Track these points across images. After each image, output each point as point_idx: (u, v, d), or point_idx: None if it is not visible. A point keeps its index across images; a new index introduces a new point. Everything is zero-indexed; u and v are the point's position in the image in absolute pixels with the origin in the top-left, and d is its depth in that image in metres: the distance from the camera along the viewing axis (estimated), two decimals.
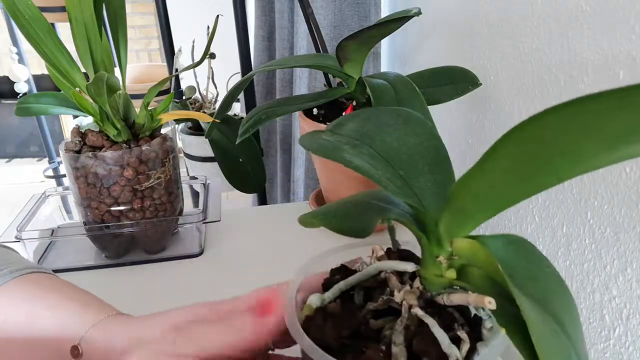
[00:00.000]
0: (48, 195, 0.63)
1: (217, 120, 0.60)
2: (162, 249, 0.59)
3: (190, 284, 0.53)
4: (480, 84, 0.52)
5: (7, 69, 1.60)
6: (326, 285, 0.33)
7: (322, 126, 0.56)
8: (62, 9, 1.25)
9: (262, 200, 1.11)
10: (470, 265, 0.27)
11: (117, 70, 0.54)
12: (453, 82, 0.54)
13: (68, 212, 0.67)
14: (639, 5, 0.33)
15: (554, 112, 0.19)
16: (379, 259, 0.32)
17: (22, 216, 0.57)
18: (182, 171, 0.63)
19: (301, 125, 0.61)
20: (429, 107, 0.48)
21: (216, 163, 0.86)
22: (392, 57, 0.90)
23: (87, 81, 0.49)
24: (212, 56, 1.09)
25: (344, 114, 0.55)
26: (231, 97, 0.60)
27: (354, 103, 0.58)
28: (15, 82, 1.59)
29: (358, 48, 0.52)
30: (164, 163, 0.54)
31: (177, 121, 1.14)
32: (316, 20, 0.65)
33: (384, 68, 0.91)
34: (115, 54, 0.54)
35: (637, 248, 0.35)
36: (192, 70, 1.18)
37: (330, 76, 0.65)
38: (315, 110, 0.60)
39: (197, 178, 0.68)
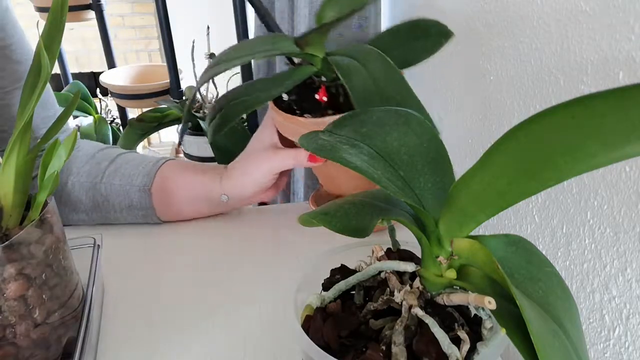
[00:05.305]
0: None
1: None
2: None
3: (190, 283, 0.53)
4: (453, 34, 0.48)
5: None
6: (326, 285, 0.33)
7: (299, 119, 0.50)
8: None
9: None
10: (470, 265, 0.27)
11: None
12: (423, 36, 0.49)
13: None
14: (639, 5, 0.34)
15: (554, 111, 0.19)
16: (379, 259, 0.32)
17: None
18: None
19: (275, 118, 0.55)
20: (404, 70, 0.44)
21: (216, 163, 0.86)
22: None
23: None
24: (212, 56, 1.09)
25: (317, 95, 0.51)
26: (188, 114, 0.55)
27: (324, 79, 0.52)
28: None
29: (316, 36, 0.47)
30: None
31: (177, 121, 1.15)
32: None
33: None
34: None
35: (637, 248, 0.35)
36: (192, 70, 1.18)
37: None
38: (285, 96, 0.53)
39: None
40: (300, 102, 0.53)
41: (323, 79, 0.53)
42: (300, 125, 0.51)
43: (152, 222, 0.61)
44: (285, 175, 0.59)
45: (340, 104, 0.51)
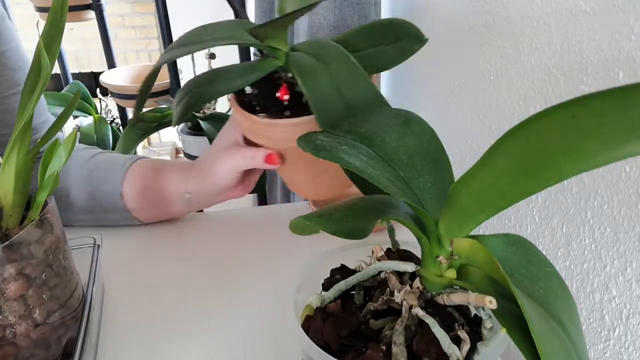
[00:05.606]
0: None
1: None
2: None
3: (190, 283, 0.53)
4: (427, 39, 0.45)
5: None
6: (326, 285, 0.33)
7: (251, 116, 0.46)
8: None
9: (262, 200, 1.11)
10: (471, 265, 0.27)
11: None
12: (394, 40, 0.46)
13: None
14: (639, 5, 0.33)
15: (554, 111, 0.19)
16: (379, 259, 0.32)
17: None
18: None
19: (233, 112, 0.51)
20: (375, 74, 0.42)
21: None
22: None
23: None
24: (212, 56, 1.09)
25: (277, 94, 0.46)
26: (143, 95, 0.48)
27: (290, 75, 0.48)
28: None
29: (273, 28, 0.43)
30: None
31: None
32: None
33: None
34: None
35: (636, 248, 0.35)
36: (192, 70, 1.18)
37: None
38: (249, 89, 0.48)
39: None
40: (261, 98, 0.48)
41: (290, 75, 0.48)
42: (252, 123, 0.47)
43: (135, 224, 0.61)
44: (253, 174, 0.57)
45: (303, 105, 0.45)
